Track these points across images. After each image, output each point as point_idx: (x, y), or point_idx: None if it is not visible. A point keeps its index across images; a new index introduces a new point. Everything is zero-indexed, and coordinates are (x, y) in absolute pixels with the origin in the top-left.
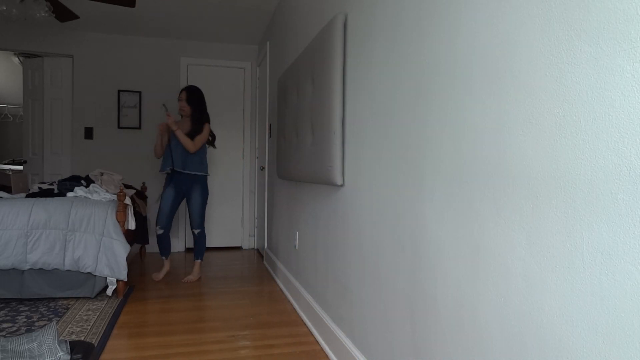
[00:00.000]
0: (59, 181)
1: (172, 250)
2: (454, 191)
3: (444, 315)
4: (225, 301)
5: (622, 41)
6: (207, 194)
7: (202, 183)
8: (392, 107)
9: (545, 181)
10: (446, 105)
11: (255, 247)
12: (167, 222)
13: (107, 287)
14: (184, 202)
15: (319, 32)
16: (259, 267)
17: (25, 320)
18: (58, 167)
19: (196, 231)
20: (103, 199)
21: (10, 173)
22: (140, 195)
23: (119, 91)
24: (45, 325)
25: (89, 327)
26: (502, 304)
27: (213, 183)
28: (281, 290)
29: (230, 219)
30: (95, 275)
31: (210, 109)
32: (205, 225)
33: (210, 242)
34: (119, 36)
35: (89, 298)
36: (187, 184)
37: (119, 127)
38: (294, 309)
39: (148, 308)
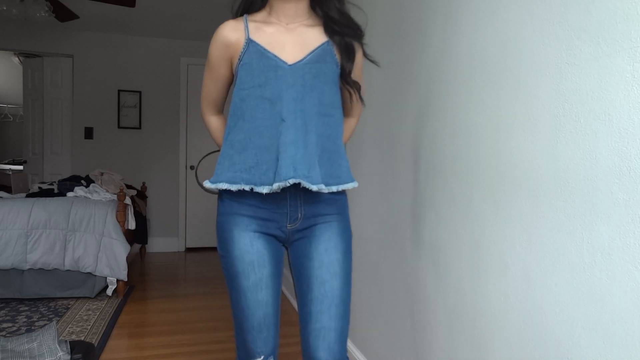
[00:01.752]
0: (59, 181)
1: (169, 250)
2: (454, 191)
3: (444, 315)
4: (226, 301)
5: (622, 41)
6: (351, 237)
7: (344, 213)
8: (392, 107)
9: (545, 181)
10: (445, 104)
11: None
12: (274, 336)
13: (107, 287)
14: None
15: None
16: None
17: (25, 320)
18: (58, 167)
19: None
20: (103, 199)
21: (10, 173)
22: (141, 195)
23: (119, 91)
24: (45, 325)
25: (89, 327)
26: (502, 304)
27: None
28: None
29: None
30: (95, 275)
31: None
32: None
33: (210, 242)
34: (119, 36)
35: (89, 298)
36: (312, 219)
37: (119, 127)
38: (294, 309)
39: (148, 308)
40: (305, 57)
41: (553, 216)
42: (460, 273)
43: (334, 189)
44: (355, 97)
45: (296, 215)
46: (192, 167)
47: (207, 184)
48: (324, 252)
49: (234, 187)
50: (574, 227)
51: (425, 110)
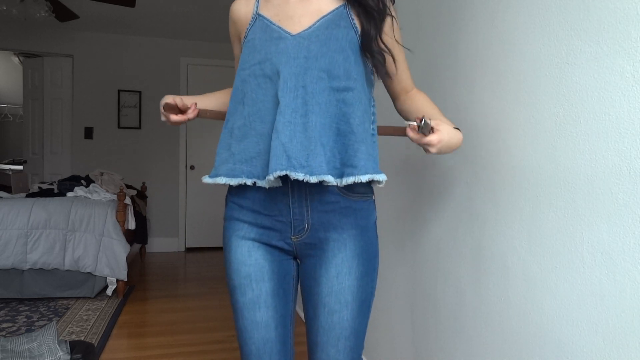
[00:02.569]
0: (59, 181)
1: (169, 250)
2: (454, 191)
3: (444, 315)
4: (225, 301)
5: (622, 41)
6: (377, 253)
7: (366, 227)
8: (391, 106)
9: (545, 181)
10: (446, 104)
11: None
12: None
13: (107, 287)
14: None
15: None
16: None
17: (25, 320)
18: (58, 167)
19: None
20: (103, 199)
21: (10, 173)
22: (141, 195)
23: (119, 91)
24: (45, 325)
25: (89, 327)
26: (502, 304)
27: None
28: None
29: None
30: (95, 275)
31: None
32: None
33: (210, 242)
34: (119, 36)
35: (89, 298)
36: (322, 232)
37: (119, 127)
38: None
39: (148, 308)
40: (313, 25)
41: (553, 216)
42: (460, 273)
43: (344, 181)
44: (381, 69)
45: (302, 225)
46: (192, 167)
47: (206, 180)
48: (335, 277)
49: (233, 182)
50: (574, 227)
51: None
